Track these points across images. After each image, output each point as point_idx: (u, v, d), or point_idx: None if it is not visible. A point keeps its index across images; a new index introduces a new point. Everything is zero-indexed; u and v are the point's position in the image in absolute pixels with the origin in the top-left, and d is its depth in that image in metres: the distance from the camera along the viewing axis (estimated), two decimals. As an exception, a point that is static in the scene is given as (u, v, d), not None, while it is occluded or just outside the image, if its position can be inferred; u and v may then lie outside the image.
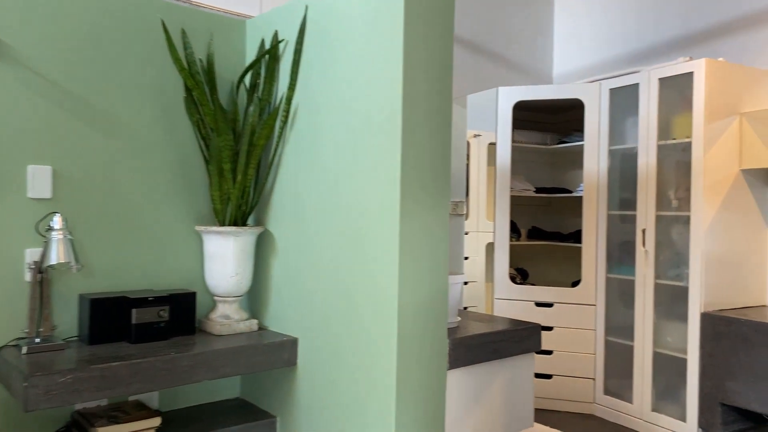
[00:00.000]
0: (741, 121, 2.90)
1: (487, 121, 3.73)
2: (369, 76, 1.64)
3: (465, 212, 3.99)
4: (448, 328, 2.03)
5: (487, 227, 4.14)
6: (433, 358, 1.65)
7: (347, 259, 1.71)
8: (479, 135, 4.15)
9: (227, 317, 1.95)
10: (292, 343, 1.88)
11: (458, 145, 3.95)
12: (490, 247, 4.03)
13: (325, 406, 1.78)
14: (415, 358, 1.61)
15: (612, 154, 3.35)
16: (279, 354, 1.85)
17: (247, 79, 2.09)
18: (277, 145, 2.00)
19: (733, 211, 2.90)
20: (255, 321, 1.98)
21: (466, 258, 4.01)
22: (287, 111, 1.95)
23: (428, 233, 1.62)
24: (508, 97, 3.52)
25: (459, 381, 1.93)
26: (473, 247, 4.08)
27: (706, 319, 2.76)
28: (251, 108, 1.97)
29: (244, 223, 2.00)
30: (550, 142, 3.92)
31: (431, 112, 1.62)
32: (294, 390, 1.91)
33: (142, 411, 1.80)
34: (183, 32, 1.98)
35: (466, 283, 3.99)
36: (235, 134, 1.99)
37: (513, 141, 3.63)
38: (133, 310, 1.75)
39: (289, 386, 1.93)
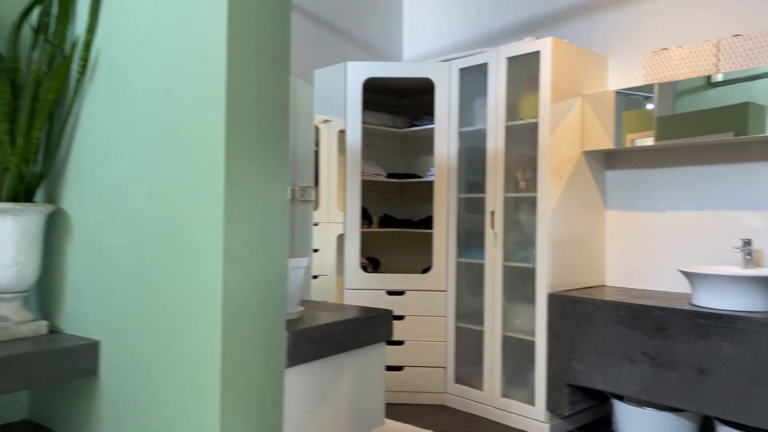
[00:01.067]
0: (583, 103, 2.95)
1: (337, 105, 3.51)
2: (186, 17, 1.33)
3: (313, 199, 3.74)
4: (288, 320, 1.77)
5: (338, 218, 3.92)
6: (268, 355, 1.39)
7: (161, 243, 1.38)
8: (329, 120, 3.92)
9: (5, 319, 1.53)
10: (92, 347, 1.51)
11: (305, 124, 3.69)
12: (341, 239, 3.82)
13: (136, 420, 1.44)
14: (245, 356, 1.33)
15: (462, 136, 3.28)
16: (74, 362, 1.47)
17: (34, 18, 1.67)
18: (73, 102, 1.60)
19: (576, 193, 2.94)
20: (44, 323, 1.57)
21: (317, 250, 3.78)
22: (85, 59, 1.57)
23: (261, 209, 1.35)
24: (358, 72, 3.32)
25: (300, 379, 1.68)
26: (324, 239, 3.85)
27: (553, 299, 2.76)
28: (36, 53, 1.56)
29: (28, 199, 1.58)
30: (401, 125, 3.80)
31: (263, 62, 1.35)
32: (96, 404, 1.54)
33: None
34: (-63, -50, 1.52)
35: (315, 276, 3.74)
36: (15, 87, 1.57)
37: (364, 122, 3.46)
38: None
39: (89, 400, 1.56)
